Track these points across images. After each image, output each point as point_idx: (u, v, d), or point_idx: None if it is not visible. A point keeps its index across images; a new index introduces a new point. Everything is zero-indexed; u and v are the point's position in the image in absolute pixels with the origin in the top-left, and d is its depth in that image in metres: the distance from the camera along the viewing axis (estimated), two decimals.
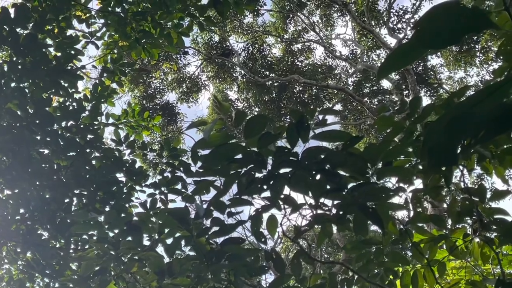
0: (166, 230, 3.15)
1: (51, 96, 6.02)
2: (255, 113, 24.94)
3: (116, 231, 3.48)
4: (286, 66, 25.15)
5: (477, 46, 23.11)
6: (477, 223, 3.40)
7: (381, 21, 24.63)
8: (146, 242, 3.35)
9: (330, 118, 24.65)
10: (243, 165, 2.53)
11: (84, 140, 6.00)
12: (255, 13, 25.25)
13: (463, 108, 1.29)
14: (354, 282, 3.60)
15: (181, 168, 6.41)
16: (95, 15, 6.88)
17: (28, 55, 5.53)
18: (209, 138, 2.32)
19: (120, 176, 6.27)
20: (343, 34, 29.26)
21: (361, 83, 25.26)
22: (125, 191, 6.20)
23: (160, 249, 3.33)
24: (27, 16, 5.55)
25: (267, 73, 25.41)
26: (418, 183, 3.55)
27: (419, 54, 1.44)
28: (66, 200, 5.89)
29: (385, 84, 25.25)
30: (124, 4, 6.48)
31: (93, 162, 6.10)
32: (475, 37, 21.84)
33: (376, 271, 3.58)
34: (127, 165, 6.28)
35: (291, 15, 26.51)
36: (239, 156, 2.48)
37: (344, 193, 2.60)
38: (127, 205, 6.14)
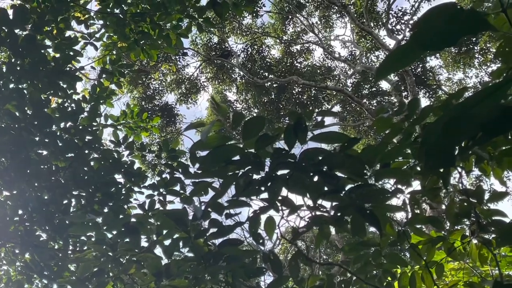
0: (164, 232, 3.15)
1: (50, 97, 6.02)
2: (254, 114, 24.96)
3: (114, 232, 3.48)
4: (285, 67, 25.17)
5: (476, 48, 23.12)
6: (475, 225, 3.40)
7: (380, 23, 24.63)
8: (144, 243, 3.35)
9: (328, 119, 24.68)
10: (240, 166, 2.53)
11: (83, 141, 5.99)
12: (254, 14, 25.27)
13: (461, 109, 1.29)
14: (352, 283, 3.60)
15: (180, 169, 6.41)
16: (94, 16, 6.88)
17: (27, 56, 5.53)
18: (207, 140, 2.31)
19: (119, 177, 6.28)
20: (342, 36, 29.37)
21: (360, 84, 25.27)
22: (123, 192, 6.20)
23: (158, 251, 3.33)
24: (26, 17, 5.54)
25: (266, 74, 25.43)
26: (416, 185, 3.55)
27: (417, 56, 1.44)
28: (65, 201, 5.88)
29: (384, 85, 25.29)
30: (123, 5, 6.48)
31: (92, 163, 6.09)
32: (474, 39, 21.86)
33: (374, 272, 3.58)
34: (126, 166, 6.28)
35: (290, 17, 26.52)
36: (237, 157, 2.48)
37: (342, 194, 2.60)
38: (125, 206, 6.14)
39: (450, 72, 25.49)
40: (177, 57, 24.80)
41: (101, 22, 6.83)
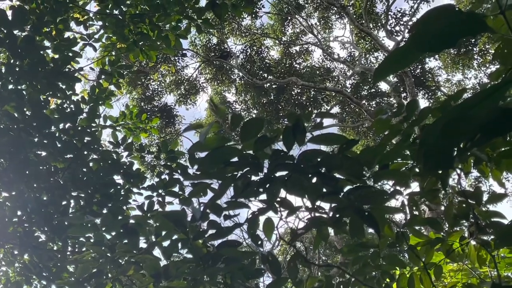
0: (163, 233, 3.14)
1: (49, 98, 6.02)
2: (253, 115, 24.97)
3: (113, 233, 3.47)
4: (284, 68, 25.18)
5: (475, 49, 23.16)
6: (474, 226, 3.40)
7: (379, 24, 24.67)
8: (143, 244, 3.35)
9: (328, 121, 24.71)
10: (239, 168, 2.53)
11: (82, 142, 5.99)
12: (253, 15, 25.29)
13: (459, 111, 1.29)
14: (350, 285, 3.59)
15: (179, 171, 6.41)
16: (93, 17, 6.88)
17: (26, 57, 5.53)
18: (205, 141, 2.31)
19: (118, 178, 6.28)
20: (341, 37, 29.42)
21: (359, 85, 25.30)
22: (122, 193, 6.19)
23: (157, 252, 3.32)
24: (25, 18, 5.54)
25: (265, 75, 25.45)
26: (415, 186, 3.55)
27: (415, 57, 1.44)
28: (64, 202, 5.88)
29: (383, 86, 25.32)
30: (122, 7, 6.48)
31: (91, 164, 6.09)
32: (473, 40, 21.88)
33: (373, 274, 3.58)
34: (125, 167, 6.28)
35: (289, 18, 26.54)
36: (236, 159, 2.48)
37: (340, 196, 2.60)
38: (124, 207, 6.14)
39: (449, 73, 25.55)
40: (176, 58, 24.83)
41: (100, 23, 6.83)
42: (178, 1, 6.41)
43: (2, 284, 6.39)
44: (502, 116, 1.22)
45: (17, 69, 5.56)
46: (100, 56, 7.36)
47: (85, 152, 6.05)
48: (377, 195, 2.68)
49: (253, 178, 2.60)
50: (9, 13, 5.43)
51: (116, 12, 6.54)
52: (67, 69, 6.10)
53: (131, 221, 3.35)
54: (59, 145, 5.82)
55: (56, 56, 6.18)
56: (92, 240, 4.30)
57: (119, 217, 5.18)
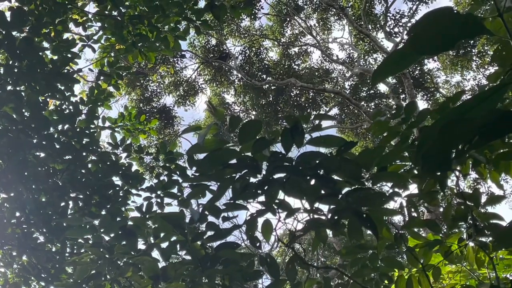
0: (161, 235, 3.14)
1: (48, 99, 6.01)
2: (252, 117, 24.98)
3: (111, 235, 3.47)
4: (283, 70, 25.19)
5: (473, 50, 23.17)
6: (472, 228, 3.40)
7: (378, 25, 24.68)
8: (142, 246, 3.35)
9: (326, 122, 24.70)
10: (237, 170, 2.53)
11: (80, 143, 5.99)
12: (252, 16, 25.28)
13: (457, 113, 1.30)
14: (349, 286, 3.59)
15: (177, 172, 6.41)
16: (92, 19, 6.87)
17: (25, 58, 5.52)
18: (204, 143, 2.32)
19: (116, 180, 6.28)
20: (340, 38, 29.45)
21: (358, 87, 25.31)
22: (121, 194, 6.19)
23: (155, 253, 3.32)
24: (24, 19, 5.53)
25: (264, 76, 25.45)
26: (413, 188, 3.55)
27: (413, 59, 1.44)
28: (62, 204, 5.88)
29: (382, 88, 25.33)
30: (121, 8, 6.48)
31: (89, 165, 6.09)
32: (472, 42, 21.90)
33: (371, 275, 3.58)
34: (123, 168, 6.28)
35: (288, 19, 26.55)
36: (234, 161, 2.48)
37: (338, 198, 2.59)
38: (123, 209, 6.14)
39: (448, 74, 25.57)
40: (175, 59, 24.83)
41: (99, 24, 6.82)
42: (177, 3, 6.40)
43: (1, 286, 6.39)
44: (500, 118, 1.22)
45: (16, 70, 5.55)
46: (99, 57, 7.36)
47: (84, 154, 6.05)
48: (376, 197, 2.68)
49: (252, 180, 2.60)
50: (7, 14, 5.42)
51: (115, 13, 6.53)
52: (65, 70, 6.09)
53: (130, 222, 3.36)
54: (57, 146, 5.81)
55: (55, 57, 6.17)
56: (90, 242, 4.29)
57: (118, 219, 5.19)
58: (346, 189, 2.61)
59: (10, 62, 5.59)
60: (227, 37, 26.54)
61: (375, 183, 2.74)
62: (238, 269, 3.08)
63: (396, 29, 24.37)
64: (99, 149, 6.20)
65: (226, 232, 3.02)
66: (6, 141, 5.46)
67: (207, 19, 7.15)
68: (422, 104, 24.93)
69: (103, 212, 5.94)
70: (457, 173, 3.53)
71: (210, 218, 2.99)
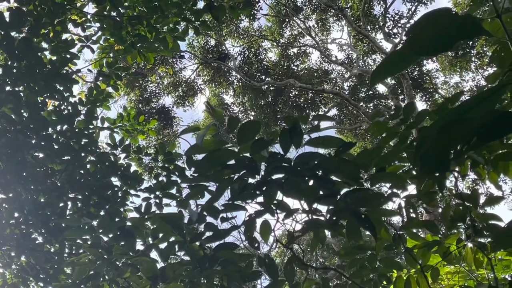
0: (160, 235, 3.14)
1: (46, 100, 6.00)
2: (251, 117, 24.97)
3: (110, 235, 3.47)
4: (282, 71, 25.19)
5: (472, 51, 23.18)
6: (471, 229, 3.40)
7: (377, 26, 24.69)
8: (140, 247, 3.34)
9: (325, 123, 24.68)
10: (236, 170, 2.53)
11: (79, 144, 5.99)
12: (251, 17, 25.28)
13: (456, 114, 1.30)
14: (347, 287, 3.59)
15: (176, 173, 6.41)
16: (91, 19, 6.87)
17: (23, 59, 5.52)
18: (202, 144, 2.32)
19: (115, 180, 6.27)
20: (339, 39, 29.47)
21: (357, 87, 25.32)
22: (119, 195, 6.18)
23: (154, 254, 3.32)
24: (22, 20, 5.53)
25: (263, 77, 25.45)
26: (412, 189, 3.55)
27: (412, 60, 1.44)
28: (61, 204, 5.87)
29: (381, 88, 25.34)
30: (120, 8, 6.47)
31: (88, 166, 6.08)
32: (470, 43, 21.91)
33: (370, 276, 3.58)
34: (122, 169, 6.28)
35: (287, 20, 26.55)
36: (232, 161, 2.48)
37: (337, 199, 2.60)
38: (121, 210, 6.13)
39: (447, 75, 25.58)
40: (174, 60, 24.82)
41: (97, 25, 6.82)
42: (176, 3, 6.41)
43: None
44: (499, 119, 1.22)
45: (15, 71, 5.55)
46: (97, 58, 7.36)
47: (83, 154, 6.04)
48: (374, 198, 2.69)
49: (250, 180, 2.60)
50: (6, 14, 5.42)
51: (113, 14, 6.53)
52: (64, 71, 6.09)
53: (128, 223, 3.35)
54: (56, 147, 5.81)
55: (54, 58, 6.17)
56: (89, 242, 4.29)
57: (116, 219, 5.18)
58: (344, 190, 2.61)
59: (9, 63, 5.59)
60: (226, 38, 26.54)
61: (373, 183, 2.75)
62: (236, 269, 3.08)
63: (395, 30, 24.41)
64: (98, 150, 6.20)
65: (225, 232, 3.02)
66: (4, 141, 5.45)
67: (206, 19, 7.14)
68: (421, 105, 24.93)
69: (102, 213, 5.93)
70: (456, 174, 3.53)
71: (209, 219, 3.00)
